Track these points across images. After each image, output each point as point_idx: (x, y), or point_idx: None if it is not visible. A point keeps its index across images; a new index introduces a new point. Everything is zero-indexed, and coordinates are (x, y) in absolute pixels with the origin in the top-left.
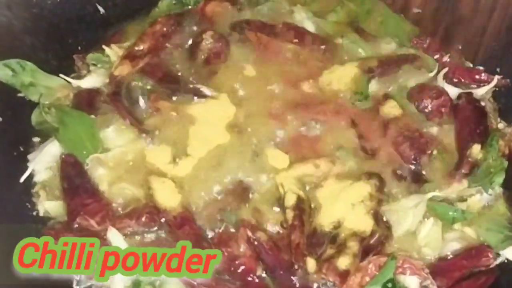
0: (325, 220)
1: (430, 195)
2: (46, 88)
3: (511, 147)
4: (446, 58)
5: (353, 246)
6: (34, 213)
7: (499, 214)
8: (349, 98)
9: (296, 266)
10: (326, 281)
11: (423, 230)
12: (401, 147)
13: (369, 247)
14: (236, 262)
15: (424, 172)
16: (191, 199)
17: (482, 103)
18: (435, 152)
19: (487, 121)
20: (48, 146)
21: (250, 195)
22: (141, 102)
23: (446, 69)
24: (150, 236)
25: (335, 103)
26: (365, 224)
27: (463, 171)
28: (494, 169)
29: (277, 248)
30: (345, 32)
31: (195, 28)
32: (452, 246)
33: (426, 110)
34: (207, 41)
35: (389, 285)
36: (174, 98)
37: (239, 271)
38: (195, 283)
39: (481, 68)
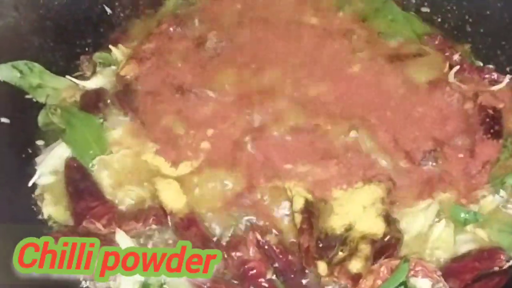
0: (336, 223)
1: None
2: (53, 89)
3: None
4: (456, 57)
5: (365, 249)
6: (40, 217)
7: (511, 215)
8: None
9: (307, 270)
10: (338, 285)
11: (435, 232)
12: None
13: (381, 250)
14: (246, 266)
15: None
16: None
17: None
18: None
19: (502, 121)
20: (55, 149)
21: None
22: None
23: (457, 67)
24: (156, 237)
25: None
26: (377, 227)
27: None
28: (506, 169)
29: (287, 251)
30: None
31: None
32: (464, 248)
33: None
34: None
35: None
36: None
37: (249, 275)
38: (205, 286)
39: (491, 67)
